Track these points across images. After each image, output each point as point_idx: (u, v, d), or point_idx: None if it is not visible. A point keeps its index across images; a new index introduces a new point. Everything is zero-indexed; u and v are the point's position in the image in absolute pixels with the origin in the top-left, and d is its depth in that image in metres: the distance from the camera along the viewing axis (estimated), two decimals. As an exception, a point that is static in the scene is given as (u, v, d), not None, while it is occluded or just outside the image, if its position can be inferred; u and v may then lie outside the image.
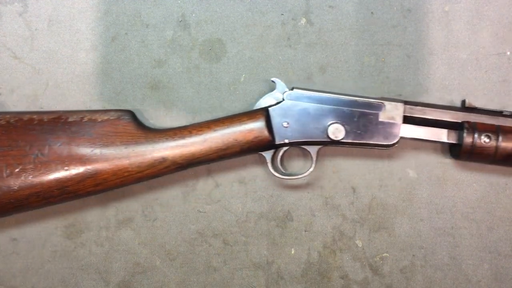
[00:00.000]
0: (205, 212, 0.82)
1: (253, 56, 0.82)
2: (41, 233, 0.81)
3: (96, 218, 0.82)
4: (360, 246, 0.82)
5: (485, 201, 0.82)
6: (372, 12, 0.82)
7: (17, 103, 0.82)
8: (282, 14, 0.82)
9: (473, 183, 0.82)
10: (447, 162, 0.82)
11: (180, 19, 0.82)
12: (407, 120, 0.75)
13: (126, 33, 0.82)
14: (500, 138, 0.73)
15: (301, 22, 0.82)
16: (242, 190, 0.82)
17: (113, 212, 0.82)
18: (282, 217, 0.82)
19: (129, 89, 0.82)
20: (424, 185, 0.82)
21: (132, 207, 0.82)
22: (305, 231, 0.82)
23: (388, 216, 0.82)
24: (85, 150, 0.72)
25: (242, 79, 0.82)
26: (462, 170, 0.82)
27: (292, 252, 0.82)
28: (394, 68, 0.82)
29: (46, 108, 0.81)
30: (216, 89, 0.82)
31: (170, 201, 0.82)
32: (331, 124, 0.74)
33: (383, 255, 0.82)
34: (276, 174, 0.78)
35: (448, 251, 0.82)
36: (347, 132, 0.74)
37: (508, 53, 0.82)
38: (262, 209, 0.82)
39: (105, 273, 0.82)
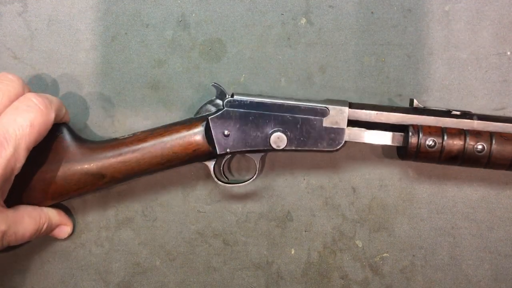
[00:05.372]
0: (205, 212, 0.82)
1: (253, 56, 0.82)
2: (41, 233, 0.81)
3: (96, 218, 0.82)
4: (360, 246, 0.82)
5: (485, 201, 0.82)
6: (372, 12, 0.82)
7: (17, 103, 0.81)
8: (282, 14, 0.82)
9: (473, 183, 0.82)
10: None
11: (180, 19, 0.82)
12: (352, 123, 0.73)
13: (126, 33, 0.82)
14: (445, 141, 0.71)
15: (301, 22, 0.82)
16: (242, 190, 0.82)
17: (113, 212, 0.82)
18: (282, 217, 0.82)
19: (129, 89, 0.82)
20: (424, 185, 0.82)
21: (132, 207, 0.82)
22: (305, 231, 0.82)
23: (388, 216, 0.82)
24: None
25: (242, 79, 0.82)
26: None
27: (292, 252, 0.82)
28: (394, 68, 0.82)
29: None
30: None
31: (170, 201, 0.82)
32: (272, 132, 0.71)
33: (383, 255, 0.82)
34: (220, 183, 0.76)
35: (448, 251, 0.81)
36: (289, 140, 0.71)
37: (509, 53, 0.82)
38: (262, 209, 0.82)
39: (105, 273, 0.82)
